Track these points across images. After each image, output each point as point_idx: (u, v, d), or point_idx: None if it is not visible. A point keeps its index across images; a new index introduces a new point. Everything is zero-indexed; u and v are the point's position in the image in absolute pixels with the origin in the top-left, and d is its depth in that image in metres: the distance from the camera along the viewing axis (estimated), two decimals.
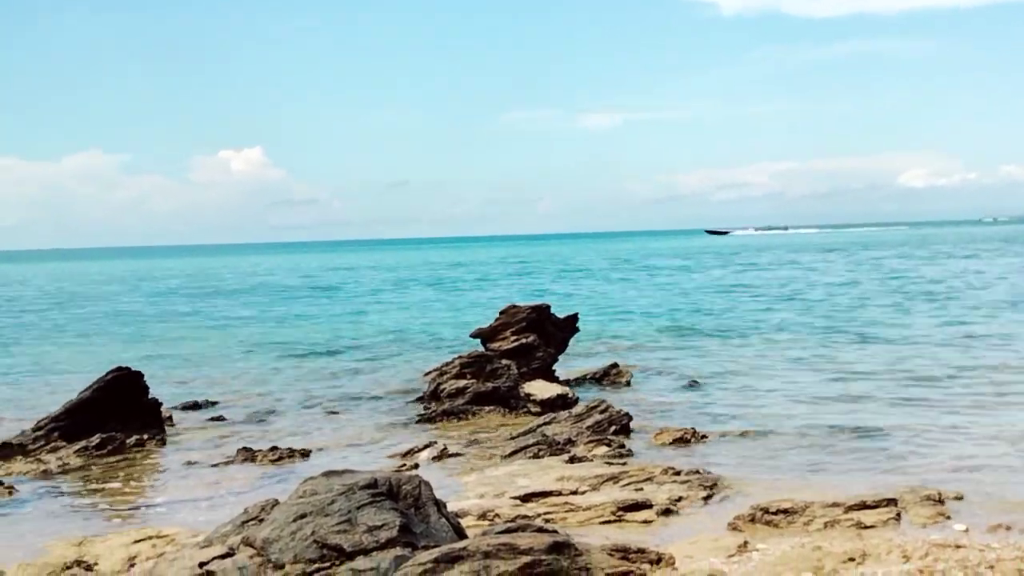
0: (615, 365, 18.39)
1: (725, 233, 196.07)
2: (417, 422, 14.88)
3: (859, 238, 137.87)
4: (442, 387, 15.73)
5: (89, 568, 8.19)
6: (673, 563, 7.26)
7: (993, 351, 19.98)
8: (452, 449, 12.63)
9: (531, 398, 15.58)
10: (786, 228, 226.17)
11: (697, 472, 10.51)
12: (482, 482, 10.53)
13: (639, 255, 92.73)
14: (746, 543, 8.10)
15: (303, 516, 6.77)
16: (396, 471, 9.74)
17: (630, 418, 13.41)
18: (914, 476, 10.43)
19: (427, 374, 17.47)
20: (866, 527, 8.59)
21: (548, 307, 18.29)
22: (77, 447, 12.92)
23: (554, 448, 11.99)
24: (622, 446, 12.17)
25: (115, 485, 11.56)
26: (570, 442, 12.29)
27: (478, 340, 17.91)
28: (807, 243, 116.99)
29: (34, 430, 13.35)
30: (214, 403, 16.89)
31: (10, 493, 10.94)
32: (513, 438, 12.88)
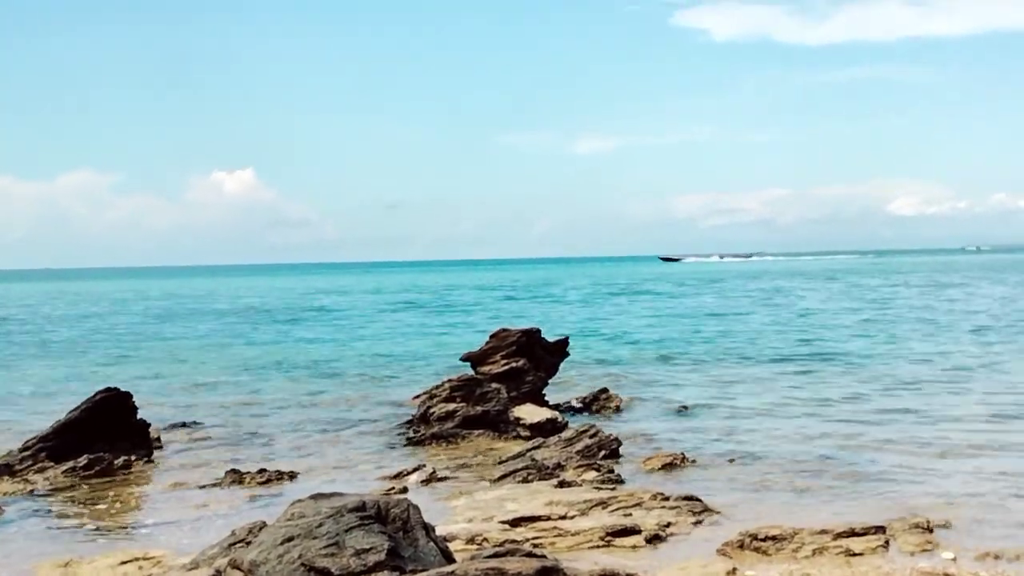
0: (605, 390, 18.39)
1: (678, 260, 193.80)
2: (406, 445, 14.86)
3: (841, 265, 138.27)
4: (432, 410, 15.70)
5: None
6: None
7: (982, 380, 20.05)
8: (441, 473, 12.61)
9: (521, 422, 15.57)
10: (750, 256, 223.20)
11: (686, 498, 10.49)
12: (471, 506, 10.51)
13: (629, 280, 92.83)
14: (735, 569, 8.11)
15: (290, 539, 6.75)
16: (385, 494, 9.72)
17: (619, 443, 13.40)
18: (903, 504, 10.44)
19: (417, 397, 17.46)
20: (855, 554, 8.59)
21: (538, 331, 18.32)
22: (65, 467, 12.86)
23: (543, 473, 11.97)
24: (611, 471, 12.15)
25: (102, 506, 11.50)
26: (559, 467, 12.28)
27: (468, 364, 17.91)
28: (783, 270, 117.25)
29: (21, 450, 13.29)
30: (203, 424, 16.85)
31: None
32: (502, 462, 12.86)
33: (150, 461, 13.76)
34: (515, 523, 9.66)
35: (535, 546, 8.52)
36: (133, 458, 13.56)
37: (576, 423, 14.93)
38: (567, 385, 20.21)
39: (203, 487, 12.24)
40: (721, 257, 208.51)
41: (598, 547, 9.09)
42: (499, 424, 15.51)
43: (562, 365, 19.03)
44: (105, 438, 13.67)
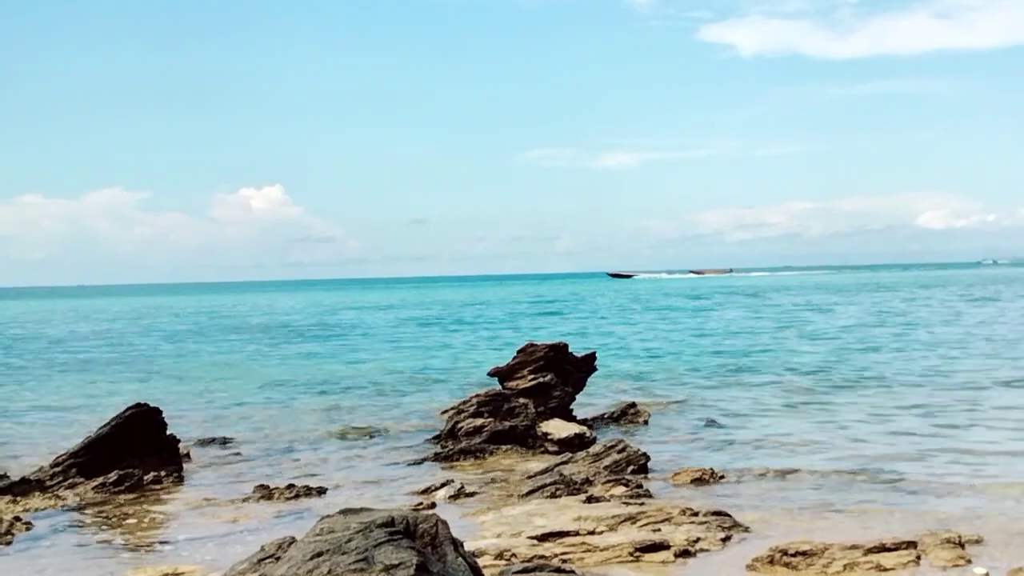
0: (633, 404, 18.34)
1: (628, 276, 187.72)
2: (434, 460, 14.86)
3: (836, 280, 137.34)
4: (459, 426, 15.72)
5: None
6: None
7: (1011, 392, 19.85)
8: (469, 488, 12.60)
9: (548, 437, 15.55)
10: (731, 270, 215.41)
11: (715, 513, 10.44)
12: (499, 521, 10.50)
13: (653, 295, 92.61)
14: None
15: (320, 554, 6.76)
16: (413, 509, 9.72)
17: (648, 458, 13.36)
18: (934, 518, 10.35)
19: (444, 412, 17.48)
20: (885, 570, 8.51)
21: (566, 346, 18.28)
22: (95, 483, 12.96)
23: (571, 488, 11.94)
24: (640, 486, 12.11)
25: (132, 521, 11.57)
26: (588, 482, 12.25)
27: (495, 379, 17.91)
28: (781, 285, 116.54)
29: (52, 466, 13.40)
30: (231, 440, 16.92)
31: (28, 529, 10.97)
32: (530, 477, 12.84)
33: (180, 477, 13.84)
34: (543, 538, 9.64)
35: (564, 562, 8.50)
36: (163, 474, 13.64)
37: (604, 438, 14.90)
38: (595, 399, 20.16)
39: (232, 502, 12.29)
40: (698, 272, 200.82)
41: (627, 563, 9.06)
42: (527, 439, 15.50)
43: (590, 379, 18.99)
44: (135, 454, 13.77)
